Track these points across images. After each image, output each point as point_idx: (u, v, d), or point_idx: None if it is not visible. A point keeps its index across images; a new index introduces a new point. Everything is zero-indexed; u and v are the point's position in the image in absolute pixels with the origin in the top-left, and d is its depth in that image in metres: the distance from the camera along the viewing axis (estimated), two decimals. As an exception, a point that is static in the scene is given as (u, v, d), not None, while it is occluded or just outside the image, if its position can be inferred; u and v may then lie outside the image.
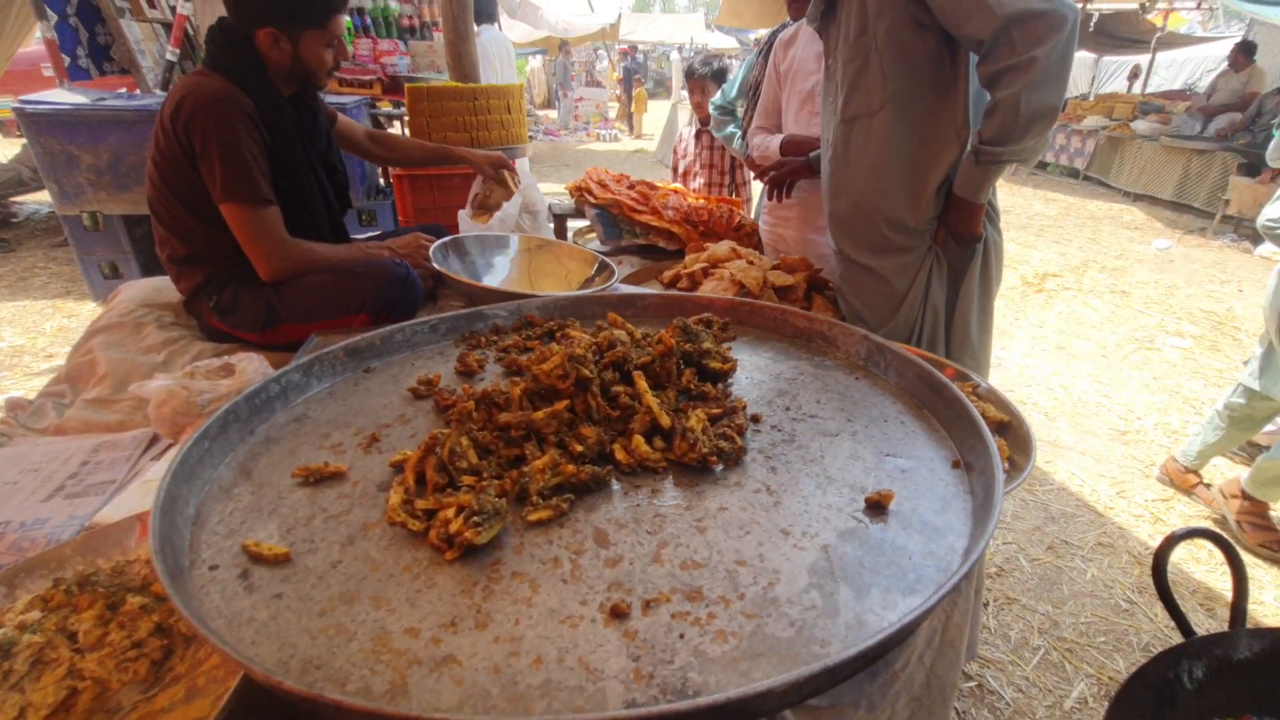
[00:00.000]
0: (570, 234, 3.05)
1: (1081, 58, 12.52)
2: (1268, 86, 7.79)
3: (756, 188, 2.58)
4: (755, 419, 0.90)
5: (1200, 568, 2.26)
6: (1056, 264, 5.77)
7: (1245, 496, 2.39)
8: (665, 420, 0.83)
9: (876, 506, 0.72)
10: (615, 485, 0.77)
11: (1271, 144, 3.19)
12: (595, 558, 0.66)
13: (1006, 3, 1.30)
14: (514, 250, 1.97)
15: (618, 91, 17.28)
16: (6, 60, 5.57)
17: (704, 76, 3.35)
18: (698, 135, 3.44)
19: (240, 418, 0.86)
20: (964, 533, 0.68)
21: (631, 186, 2.62)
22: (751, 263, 1.91)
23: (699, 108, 3.38)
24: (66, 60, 4.66)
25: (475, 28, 3.75)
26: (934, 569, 0.63)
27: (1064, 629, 2.04)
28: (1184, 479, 2.65)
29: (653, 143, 12.34)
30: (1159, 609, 2.08)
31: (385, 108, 5.01)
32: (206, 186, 1.57)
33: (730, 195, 3.39)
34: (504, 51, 5.82)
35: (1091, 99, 11.50)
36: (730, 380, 1.00)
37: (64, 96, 3.79)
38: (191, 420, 1.24)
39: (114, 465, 1.29)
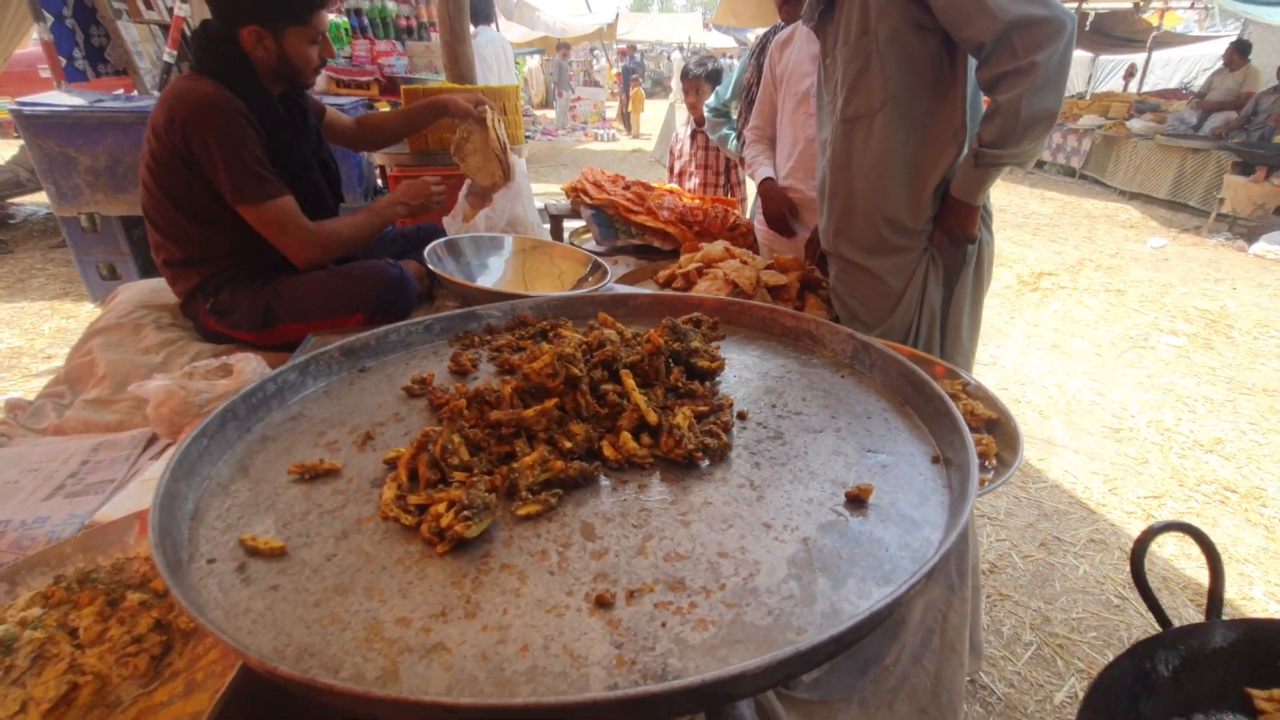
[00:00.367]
0: (566, 234, 3.06)
1: (1078, 57, 12.54)
2: (1263, 85, 7.81)
3: (751, 188, 2.60)
4: (741, 416, 0.92)
5: (1191, 564, 2.29)
6: (1052, 262, 5.79)
7: None
8: (652, 417, 0.84)
9: (856, 500, 0.74)
10: (603, 481, 0.79)
11: None
12: (582, 550, 0.67)
13: (1008, 8, 1.32)
14: (508, 251, 1.99)
15: (616, 89, 17.28)
16: (3, 62, 5.58)
17: (699, 77, 3.36)
18: (693, 135, 3.46)
19: (238, 416, 0.88)
20: (940, 525, 0.70)
21: (627, 187, 2.64)
22: (745, 262, 1.93)
23: (694, 108, 3.40)
24: (63, 62, 4.67)
25: (472, 29, 3.76)
26: (909, 560, 0.65)
27: (1055, 625, 2.06)
28: None
29: (650, 142, 12.35)
30: (1149, 604, 2.10)
31: (383, 108, 5.02)
32: (207, 190, 1.58)
33: (725, 195, 3.41)
34: (501, 52, 5.84)
35: (1087, 98, 11.52)
36: (718, 378, 1.02)
37: (61, 98, 3.79)
38: (190, 420, 1.26)
39: (113, 464, 1.31)
